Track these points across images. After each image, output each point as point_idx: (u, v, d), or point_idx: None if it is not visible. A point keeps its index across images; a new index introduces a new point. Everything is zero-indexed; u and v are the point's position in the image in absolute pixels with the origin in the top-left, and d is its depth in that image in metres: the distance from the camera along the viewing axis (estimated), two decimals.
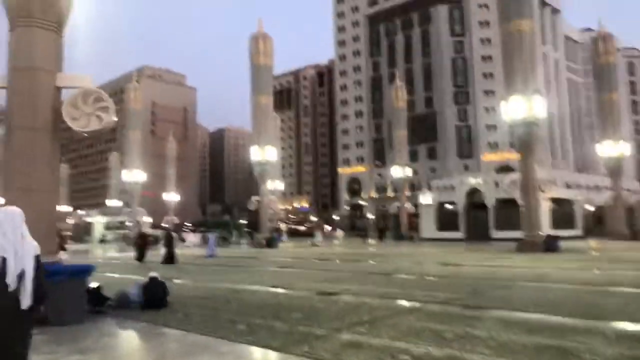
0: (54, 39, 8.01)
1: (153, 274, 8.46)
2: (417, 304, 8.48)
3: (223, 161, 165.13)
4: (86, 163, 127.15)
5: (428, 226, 41.13)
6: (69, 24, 8.41)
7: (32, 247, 3.63)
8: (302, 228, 69.84)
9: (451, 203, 40.41)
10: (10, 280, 3.46)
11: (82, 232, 72.22)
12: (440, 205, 41.03)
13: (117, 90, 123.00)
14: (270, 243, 34.67)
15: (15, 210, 3.70)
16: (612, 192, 35.24)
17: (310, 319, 7.19)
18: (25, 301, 3.50)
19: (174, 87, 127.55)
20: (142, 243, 23.90)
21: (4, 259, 3.48)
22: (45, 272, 3.72)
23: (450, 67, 75.27)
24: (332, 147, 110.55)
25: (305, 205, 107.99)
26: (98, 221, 74.81)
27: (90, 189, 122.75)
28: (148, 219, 58.88)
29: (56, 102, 8.00)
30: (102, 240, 64.47)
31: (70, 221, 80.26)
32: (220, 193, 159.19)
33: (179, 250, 23.14)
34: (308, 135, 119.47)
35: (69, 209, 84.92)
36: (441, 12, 76.29)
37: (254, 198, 37.43)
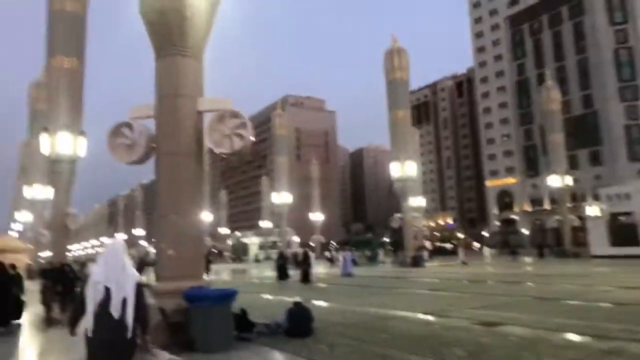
0: (194, 66, 8.15)
1: (298, 298, 7.99)
2: (613, 343, 6.70)
3: (363, 180, 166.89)
4: (241, 188, 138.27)
5: (598, 241, 35.75)
6: (209, 53, 8.53)
7: (132, 276, 3.87)
8: (448, 246, 66.57)
9: (626, 214, 34.70)
10: (114, 309, 3.67)
11: (240, 252, 78.10)
12: (613, 216, 35.46)
13: (264, 120, 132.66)
14: (416, 262, 33.21)
15: (118, 242, 4.01)
16: None
17: (477, 358, 6.00)
18: (129, 327, 3.71)
19: (315, 113, 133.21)
20: (282, 262, 24.80)
21: (108, 289, 3.69)
22: (190, 297, 4.61)
23: (612, 60, 66.20)
24: (476, 159, 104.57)
25: (450, 221, 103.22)
26: (253, 242, 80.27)
27: (245, 212, 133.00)
28: (296, 239, 61.26)
29: (198, 126, 8.07)
30: (257, 260, 68.84)
31: (229, 242, 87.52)
32: (362, 212, 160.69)
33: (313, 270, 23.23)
34: (449, 148, 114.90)
35: (228, 230, 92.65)
36: (596, 1, 67.94)
37: (397, 215, 36.29)
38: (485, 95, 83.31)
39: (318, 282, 21.46)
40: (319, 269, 33.24)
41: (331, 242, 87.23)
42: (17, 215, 49.04)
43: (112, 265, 3.83)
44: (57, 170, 23.89)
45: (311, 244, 69.61)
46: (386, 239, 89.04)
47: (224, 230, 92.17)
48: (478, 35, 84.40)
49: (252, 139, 7.95)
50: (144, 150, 8.10)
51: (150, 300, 4.36)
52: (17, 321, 10.74)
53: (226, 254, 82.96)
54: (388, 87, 36.05)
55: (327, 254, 61.08)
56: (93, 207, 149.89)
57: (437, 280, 20.34)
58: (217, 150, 7.85)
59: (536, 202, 72.72)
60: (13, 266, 11.70)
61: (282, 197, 51.00)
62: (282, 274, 24.29)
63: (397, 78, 35.33)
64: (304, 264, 22.36)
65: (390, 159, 38.15)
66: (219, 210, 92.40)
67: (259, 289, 19.12)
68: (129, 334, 3.81)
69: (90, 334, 3.81)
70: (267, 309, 10.74)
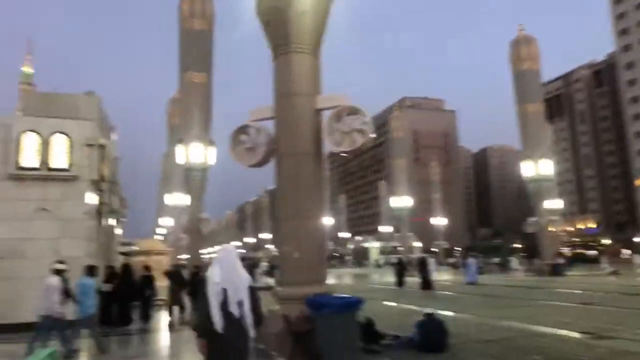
0: (311, 62, 7.83)
1: (429, 310, 7.21)
2: None
3: (489, 182, 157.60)
4: (359, 193, 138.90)
5: None
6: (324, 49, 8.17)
7: (245, 279, 4.10)
8: (591, 253, 59.55)
9: None
10: (233, 308, 3.92)
11: (361, 256, 78.19)
12: None
13: (380, 124, 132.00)
14: (555, 270, 29.92)
15: (231, 247, 4.28)
16: None
17: None
18: (249, 327, 3.98)
19: (434, 113, 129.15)
20: (401, 269, 24.43)
21: (225, 290, 3.94)
22: (313, 304, 4.85)
23: None
24: (622, 156, 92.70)
25: (592, 225, 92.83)
26: (373, 246, 79.90)
27: (364, 217, 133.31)
28: (418, 244, 59.50)
29: (317, 125, 7.72)
30: (378, 265, 68.23)
31: (350, 246, 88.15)
32: (488, 216, 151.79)
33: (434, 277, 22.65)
34: (588, 144, 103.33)
35: (348, 235, 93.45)
36: None
37: (532, 219, 33.21)
38: (632, 83, 73.52)
39: (440, 290, 20.75)
40: (442, 275, 31.89)
41: (455, 248, 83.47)
42: (161, 221, 54.20)
43: (226, 268, 4.08)
44: (191, 178, 25.65)
45: (433, 249, 67.30)
46: (517, 245, 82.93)
47: (344, 235, 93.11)
48: (620, 16, 74.91)
49: (373, 135, 7.38)
50: (264, 152, 7.97)
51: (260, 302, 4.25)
52: (145, 321, 11.38)
53: (347, 258, 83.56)
54: (515, 79, 33.20)
55: (450, 260, 58.41)
56: (224, 214, 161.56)
57: (584, 292, 17.86)
58: (336, 149, 7.41)
59: None
60: (147, 268, 12.39)
61: (401, 201, 49.75)
62: (400, 280, 24.12)
63: (525, 69, 32.34)
64: (422, 270, 22.02)
65: (519, 159, 35.18)
66: (338, 215, 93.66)
67: (380, 295, 18.55)
68: (251, 333, 4.04)
69: (215, 332, 3.97)
70: (390, 317, 10.10)
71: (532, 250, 36.81)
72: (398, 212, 50.62)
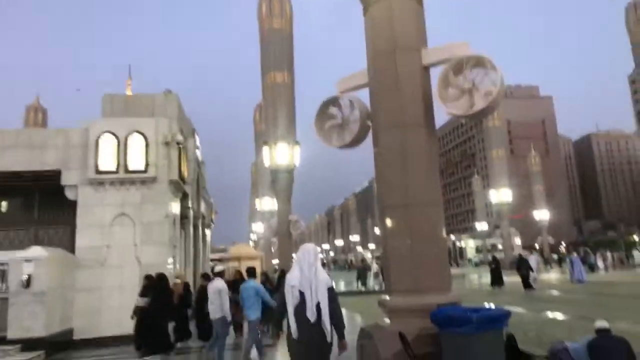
0: (414, 8, 6.13)
1: (602, 324, 5.16)
2: None
3: (595, 171, 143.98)
4: (450, 190, 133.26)
5: None
6: None
7: (324, 280, 3.87)
8: None
9: None
10: (309, 313, 3.74)
11: (456, 255, 74.29)
12: None
13: None
14: None
15: (310, 247, 4.06)
16: None
17: None
18: (327, 331, 3.79)
19: (527, 102, 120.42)
20: (495, 267, 23.17)
21: (303, 294, 3.77)
22: (441, 319, 3.93)
23: None
24: None
25: None
26: (469, 245, 75.72)
27: (456, 215, 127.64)
28: (517, 241, 55.00)
29: (426, 86, 6.01)
30: (475, 264, 64.23)
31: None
32: (596, 208, 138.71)
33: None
34: None
35: None
36: None
37: None
38: None
39: (544, 289, 19.67)
40: (548, 274, 29.30)
41: (562, 242, 76.67)
42: (253, 226, 54.88)
43: (305, 271, 3.85)
44: (278, 180, 24.89)
45: (536, 245, 61.79)
46: (636, 238, 74.18)
47: None
48: None
49: (500, 94, 5.53)
50: (358, 128, 6.42)
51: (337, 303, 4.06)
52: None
53: None
54: (634, 49, 28.88)
55: (554, 256, 53.18)
56: (314, 217, 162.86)
57: None
58: (450, 111, 5.65)
59: None
60: (239, 273, 10.79)
61: (500, 195, 45.87)
62: (496, 279, 22.75)
63: None
64: (520, 269, 21.15)
65: (628, 143, 30.62)
66: None
67: (484, 297, 17.02)
68: (328, 338, 3.83)
69: (293, 336, 3.83)
70: (520, 327, 8.09)
71: None
72: (498, 207, 46.71)
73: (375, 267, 31.31)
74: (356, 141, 6.55)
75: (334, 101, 6.66)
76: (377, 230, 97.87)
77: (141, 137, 10.32)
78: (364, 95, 6.61)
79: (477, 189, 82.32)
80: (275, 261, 30.45)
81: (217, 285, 7.74)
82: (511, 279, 22.63)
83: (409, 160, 5.73)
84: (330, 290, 3.90)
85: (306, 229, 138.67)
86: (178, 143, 10.62)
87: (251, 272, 8.28)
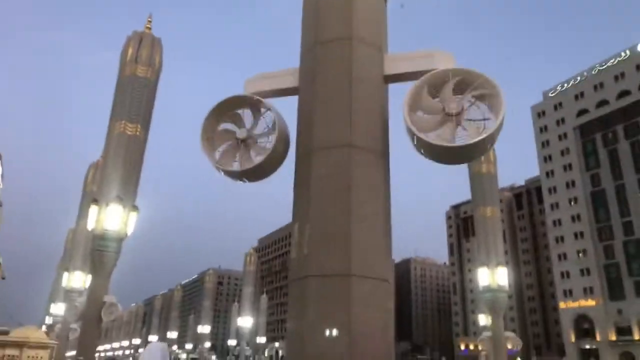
0: (377, 2, 4.32)
1: None
2: None
3: (410, 294, 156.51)
4: (282, 294, 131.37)
5: None
6: None
7: None
8: None
9: None
10: None
11: None
12: None
13: None
14: None
15: (159, 346, 3.98)
16: None
17: None
18: None
19: None
20: None
21: None
22: None
23: None
24: (539, 278, 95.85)
25: (510, 347, 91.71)
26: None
27: (283, 321, 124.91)
28: None
29: (384, 101, 4.02)
30: None
31: (266, 354, 79.66)
32: (408, 329, 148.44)
33: None
34: (508, 263, 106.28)
35: (263, 339, 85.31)
36: None
37: (486, 334, 30.06)
38: (555, 207, 77.43)
39: None
40: None
41: None
42: (53, 307, 45.37)
43: None
44: (100, 250, 20.24)
45: None
46: None
47: (261, 339, 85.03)
48: (544, 144, 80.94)
49: (500, 122, 3.79)
50: (272, 148, 4.07)
51: None
52: None
53: None
54: (472, 181, 31.91)
55: None
56: (129, 306, 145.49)
57: None
58: (429, 141, 3.71)
59: (623, 330, 63.02)
60: None
61: None
62: None
63: (482, 171, 31.24)
64: None
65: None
66: (258, 317, 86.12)
67: None
68: None
69: None
70: None
71: None
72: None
73: None
74: (269, 166, 4.14)
75: (237, 103, 4.27)
76: (199, 329, 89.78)
77: None
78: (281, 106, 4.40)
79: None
80: (71, 353, 24.33)
81: None
82: None
83: (353, 199, 3.48)
84: None
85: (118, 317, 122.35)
86: None
87: None
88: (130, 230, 20.58)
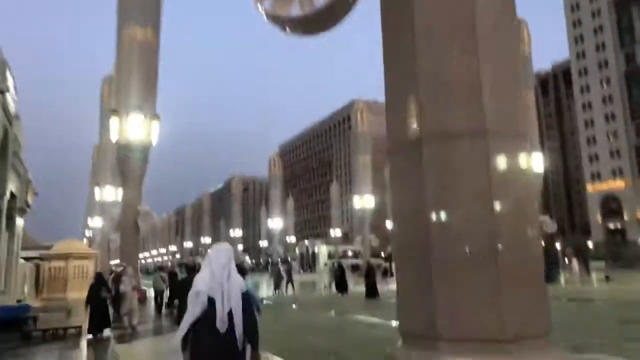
0: None
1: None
2: None
3: None
4: (306, 196, 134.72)
5: None
6: None
7: (238, 284, 3.47)
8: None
9: None
10: (220, 323, 3.31)
11: (308, 261, 73.66)
12: None
13: (327, 128, 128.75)
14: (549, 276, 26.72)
15: (225, 246, 3.62)
16: None
17: None
18: (239, 342, 3.35)
19: (383, 117, 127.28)
20: (340, 273, 23.22)
21: (213, 301, 3.32)
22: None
23: None
24: (565, 164, 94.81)
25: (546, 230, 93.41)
26: (322, 252, 75.71)
27: (309, 221, 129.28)
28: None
29: None
30: (336, 271, 63.78)
31: (298, 251, 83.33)
32: None
33: None
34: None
35: (294, 239, 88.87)
36: None
37: None
38: (585, 90, 74.06)
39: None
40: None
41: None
42: (90, 221, 46.93)
43: (217, 274, 3.37)
44: (127, 161, 19.94)
45: (382, 255, 63.80)
46: None
47: (291, 238, 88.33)
48: (575, 24, 75.49)
49: None
50: None
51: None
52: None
53: (294, 264, 78.68)
54: None
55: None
56: (161, 216, 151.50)
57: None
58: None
59: None
60: None
61: (364, 202, 45.62)
62: (341, 286, 22.53)
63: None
64: (366, 276, 20.82)
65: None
66: (286, 218, 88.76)
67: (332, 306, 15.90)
68: (240, 349, 3.35)
69: (195, 351, 3.33)
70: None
71: None
72: (360, 213, 46.38)
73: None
74: (332, 13, 3.15)
75: None
76: (231, 233, 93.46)
77: None
78: None
79: (335, 196, 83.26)
80: (115, 261, 25.14)
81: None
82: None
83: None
84: (245, 295, 3.42)
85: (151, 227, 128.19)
86: None
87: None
88: (154, 140, 20.06)
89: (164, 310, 16.31)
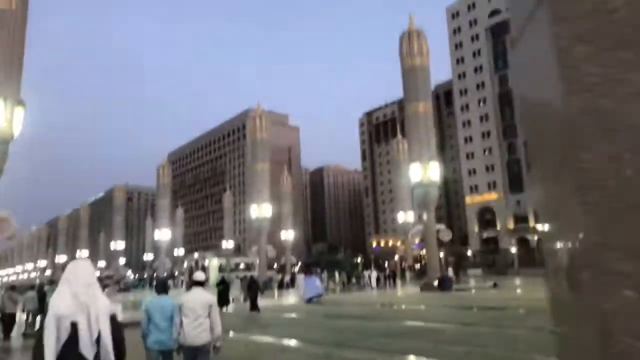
0: None
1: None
2: None
3: (324, 200, 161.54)
4: (194, 208, 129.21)
5: None
6: None
7: (105, 306, 3.04)
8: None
9: None
10: (86, 350, 2.90)
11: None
12: None
13: (220, 137, 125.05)
14: (444, 285, 27.31)
15: (85, 263, 3.18)
16: None
17: None
18: None
19: (278, 128, 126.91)
20: (224, 288, 21.51)
21: (75, 325, 2.93)
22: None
23: None
24: (445, 177, 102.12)
25: (417, 240, 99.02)
26: (213, 264, 72.42)
27: (199, 233, 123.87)
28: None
29: None
30: (218, 284, 60.99)
31: (186, 264, 78.79)
32: (322, 232, 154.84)
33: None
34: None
35: (182, 251, 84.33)
36: None
37: (418, 228, 30.59)
38: (465, 108, 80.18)
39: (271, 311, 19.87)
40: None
41: (299, 262, 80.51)
42: None
43: (82, 293, 2.95)
44: None
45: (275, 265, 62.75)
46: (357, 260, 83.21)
47: (179, 251, 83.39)
48: (457, 46, 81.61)
49: None
50: None
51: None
52: None
53: (180, 278, 74.34)
54: (405, 76, 30.53)
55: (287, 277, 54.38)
56: (28, 227, 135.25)
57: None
58: None
59: (520, 219, 69.39)
60: None
61: (262, 210, 43.92)
62: (222, 300, 20.24)
63: (416, 65, 29.85)
64: (250, 289, 20.96)
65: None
66: (175, 229, 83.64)
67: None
68: None
69: None
70: None
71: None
72: (257, 222, 44.53)
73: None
74: None
75: None
76: (112, 245, 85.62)
77: None
78: None
79: (228, 206, 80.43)
80: None
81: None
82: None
83: None
84: (113, 317, 3.05)
85: (15, 240, 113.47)
86: None
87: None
88: (17, 131, 16.74)
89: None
